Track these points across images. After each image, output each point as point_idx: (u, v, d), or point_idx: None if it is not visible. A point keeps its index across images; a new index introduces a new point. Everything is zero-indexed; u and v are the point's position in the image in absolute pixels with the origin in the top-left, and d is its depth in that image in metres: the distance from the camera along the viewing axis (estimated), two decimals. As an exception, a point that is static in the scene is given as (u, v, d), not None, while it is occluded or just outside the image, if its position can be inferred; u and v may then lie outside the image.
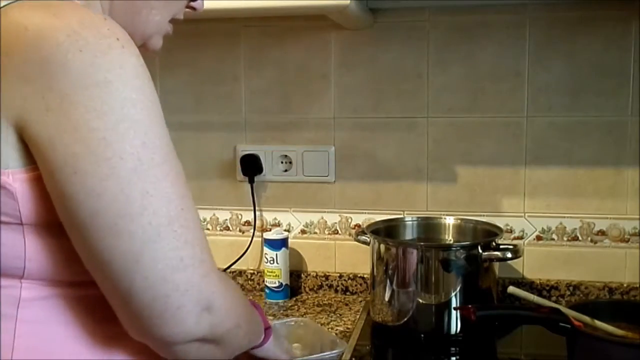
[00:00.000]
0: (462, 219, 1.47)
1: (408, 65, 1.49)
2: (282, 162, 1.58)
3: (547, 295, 1.47)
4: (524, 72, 1.44)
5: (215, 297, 0.65)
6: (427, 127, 1.50)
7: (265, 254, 1.53)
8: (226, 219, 1.63)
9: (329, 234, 1.58)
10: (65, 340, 0.67)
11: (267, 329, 0.94)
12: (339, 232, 1.58)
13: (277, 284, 1.52)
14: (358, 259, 1.54)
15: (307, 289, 1.59)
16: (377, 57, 1.50)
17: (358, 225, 1.56)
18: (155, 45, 0.80)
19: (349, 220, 1.57)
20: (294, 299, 1.55)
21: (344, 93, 1.53)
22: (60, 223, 0.62)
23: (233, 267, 1.60)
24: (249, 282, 1.62)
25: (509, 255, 1.27)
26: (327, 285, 1.58)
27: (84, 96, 0.58)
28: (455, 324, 1.27)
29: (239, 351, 0.80)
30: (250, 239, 1.59)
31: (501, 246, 1.30)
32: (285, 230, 1.58)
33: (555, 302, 1.32)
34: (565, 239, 1.48)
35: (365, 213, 1.56)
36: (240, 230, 1.62)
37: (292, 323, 1.27)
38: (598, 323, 1.10)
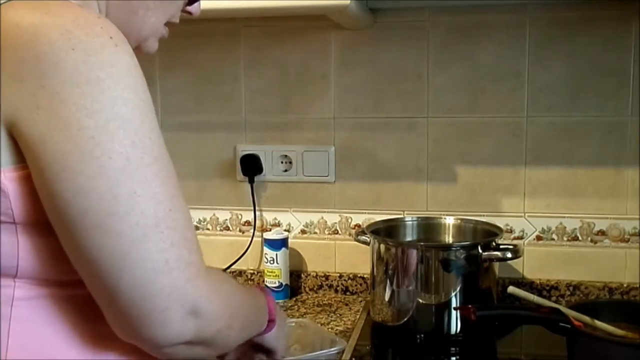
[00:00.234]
0: (462, 219, 1.47)
1: (408, 65, 1.49)
2: (282, 162, 1.58)
3: (547, 295, 1.47)
4: (524, 72, 1.44)
5: (201, 300, 0.64)
6: (427, 127, 1.50)
7: (265, 254, 1.53)
8: (226, 219, 1.63)
9: (329, 234, 1.58)
10: (57, 340, 0.67)
11: (272, 321, 0.93)
12: (339, 232, 1.58)
13: (277, 284, 1.52)
14: (358, 259, 1.54)
15: (307, 289, 1.59)
16: (377, 57, 1.50)
17: (358, 225, 1.56)
18: (150, 48, 0.80)
19: (349, 220, 1.57)
20: (294, 299, 1.55)
21: (344, 93, 1.53)
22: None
23: (233, 267, 1.60)
24: (249, 282, 1.62)
25: (509, 255, 1.27)
26: (327, 285, 1.58)
27: (75, 94, 0.58)
28: (455, 324, 1.27)
29: (233, 347, 0.79)
30: (250, 239, 1.59)
31: (501, 246, 1.30)
32: (285, 230, 1.58)
33: (555, 302, 1.32)
34: (565, 239, 1.48)
35: (365, 213, 1.56)
36: (240, 230, 1.62)
37: (292, 323, 1.27)
38: (598, 323, 1.10)
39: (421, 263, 1.27)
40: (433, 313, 1.28)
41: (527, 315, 1.16)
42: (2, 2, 0.62)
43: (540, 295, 1.36)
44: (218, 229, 1.63)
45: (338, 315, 1.44)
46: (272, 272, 1.52)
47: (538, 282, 1.49)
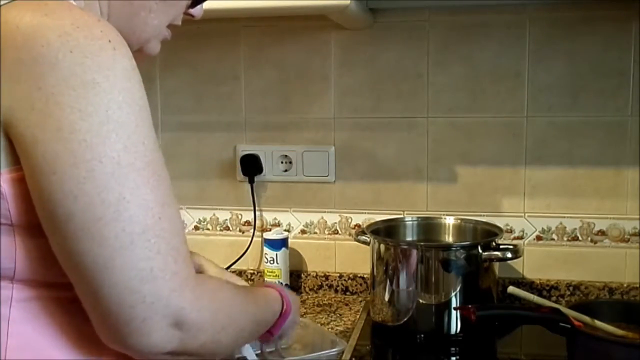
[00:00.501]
0: (462, 219, 1.47)
1: (408, 65, 1.49)
2: (282, 162, 1.58)
3: (547, 295, 1.47)
4: (524, 72, 1.44)
5: (185, 313, 0.63)
6: (427, 127, 1.50)
7: (265, 254, 1.53)
8: (226, 219, 1.63)
9: (329, 234, 1.58)
10: (55, 341, 0.67)
11: (286, 312, 0.92)
12: (339, 232, 1.58)
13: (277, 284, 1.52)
14: (358, 259, 1.54)
15: (307, 289, 1.59)
16: (377, 57, 1.50)
17: (358, 225, 1.56)
18: (152, 50, 0.80)
19: (349, 220, 1.57)
20: (294, 299, 1.55)
21: (344, 93, 1.53)
22: None
23: (233, 267, 1.60)
24: (249, 282, 1.62)
25: (509, 255, 1.27)
26: (327, 285, 1.58)
27: (70, 96, 0.58)
28: (455, 324, 1.27)
29: (226, 354, 0.78)
30: (250, 239, 1.59)
31: (501, 246, 1.30)
32: (285, 230, 1.58)
33: (555, 302, 1.32)
34: (565, 239, 1.48)
35: (365, 213, 1.56)
36: (240, 230, 1.62)
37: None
38: (598, 323, 1.10)
39: (421, 263, 1.27)
40: (433, 313, 1.28)
41: (527, 315, 1.16)
42: (3, 2, 0.62)
43: (540, 295, 1.36)
44: (218, 229, 1.63)
45: (338, 315, 1.44)
46: (272, 272, 1.52)
47: (538, 282, 1.49)
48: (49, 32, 0.59)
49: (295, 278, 1.58)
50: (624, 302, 1.39)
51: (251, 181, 1.57)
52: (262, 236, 1.58)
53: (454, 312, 1.27)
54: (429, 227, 1.48)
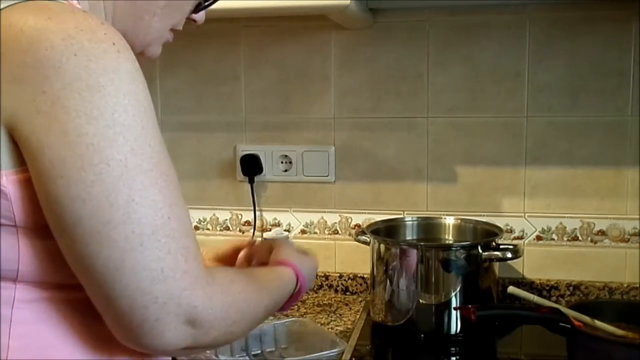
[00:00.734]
0: (462, 219, 1.47)
1: (408, 65, 1.49)
2: (282, 162, 1.58)
3: (547, 295, 1.47)
4: (524, 72, 1.44)
5: (198, 311, 0.64)
6: (427, 127, 1.50)
7: (265, 254, 1.53)
8: (226, 219, 1.63)
9: (329, 234, 1.58)
10: (58, 342, 0.67)
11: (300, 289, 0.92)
12: (339, 232, 1.58)
13: (277, 284, 1.52)
14: (358, 259, 1.54)
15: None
16: (377, 57, 1.50)
17: (358, 225, 1.56)
18: (153, 53, 0.80)
19: (349, 220, 1.57)
20: (294, 299, 1.55)
21: (344, 93, 1.53)
22: None
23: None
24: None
25: (509, 255, 1.27)
26: (327, 285, 1.58)
27: (75, 100, 0.58)
28: (455, 324, 1.27)
29: (248, 332, 0.79)
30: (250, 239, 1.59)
31: (501, 246, 1.30)
32: (285, 230, 1.58)
33: (555, 302, 1.32)
34: (565, 239, 1.48)
35: (365, 213, 1.56)
36: (240, 230, 1.62)
37: (292, 323, 1.28)
38: (598, 323, 1.10)
39: (421, 263, 1.27)
40: (433, 313, 1.28)
41: (527, 315, 1.16)
42: (7, 4, 0.62)
43: (540, 295, 1.36)
44: (218, 229, 1.63)
45: (338, 315, 1.44)
46: (272, 272, 1.52)
47: (538, 282, 1.49)
48: (52, 36, 0.59)
49: (295, 278, 1.58)
50: (624, 302, 1.39)
51: (251, 181, 1.57)
52: (262, 236, 1.58)
53: (454, 312, 1.27)
54: (429, 227, 1.48)
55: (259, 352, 1.23)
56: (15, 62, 0.59)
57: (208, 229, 1.63)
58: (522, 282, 1.48)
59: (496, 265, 1.34)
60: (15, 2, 0.62)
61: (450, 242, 1.46)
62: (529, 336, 1.33)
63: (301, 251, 0.98)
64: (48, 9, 0.61)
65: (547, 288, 1.48)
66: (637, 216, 1.44)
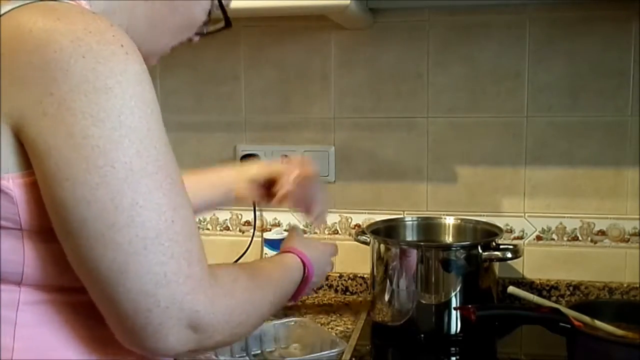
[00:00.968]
0: (462, 219, 1.47)
1: (408, 65, 1.49)
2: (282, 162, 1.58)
3: (547, 295, 1.47)
4: (524, 72, 1.44)
5: (200, 315, 0.63)
6: (427, 127, 1.50)
7: (265, 254, 1.53)
8: (226, 219, 1.63)
9: (329, 234, 1.58)
10: (62, 344, 0.67)
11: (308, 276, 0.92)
12: (339, 232, 1.58)
13: (277, 284, 1.52)
14: (358, 259, 1.54)
15: (307, 289, 1.59)
16: (377, 57, 1.50)
17: (358, 225, 1.56)
18: (149, 63, 0.80)
19: (349, 220, 1.57)
20: (294, 299, 1.55)
21: (344, 93, 1.53)
22: None
23: (233, 267, 1.60)
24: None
25: (509, 255, 1.27)
26: (327, 285, 1.58)
27: (81, 102, 0.58)
28: (455, 324, 1.27)
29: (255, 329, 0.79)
30: (250, 239, 1.59)
31: (501, 246, 1.30)
32: (285, 230, 1.58)
33: (555, 302, 1.32)
34: (565, 239, 1.48)
35: (365, 213, 1.56)
36: (240, 230, 1.62)
37: (292, 323, 1.28)
38: (598, 323, 1.10)
39: (421, 263, 1.27)
40: (433, 313, 1.28)
41: (527, 315, 1.16)
42: (16, 5, 0.62)
43: (540, 295, 1.36)
44: (218, 229, 1.63)
45: (338, 315, 1.44)
46: (272, 272, 1.52)
47: (538, 282, 1.49)
48: (61, 37, 0.58)
49: (295, 278, 1.58)
50: (624, 302, 1.39)
51: (251, 181, 1.57)
52: (262, 236, 1.58)
53: (454, 312, 1.27)
54: (429, 227, 1.48)
55: (259, 352, 1.23)
56: (23, 63, 0.59)
57: (208, 229, 1.63)
58: (522, 282, 1.48)
59: (496, 265, 1.34)
60: (24, 2, 0.62)
61: (450, 242, 1.45)
62: (529, 336, 1.33)
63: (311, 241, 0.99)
64: (57, 10, 0.61)
65: (547, 288, 1.48)
66: (637, 216, 1.44)
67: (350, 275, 1.57)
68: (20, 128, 0.59)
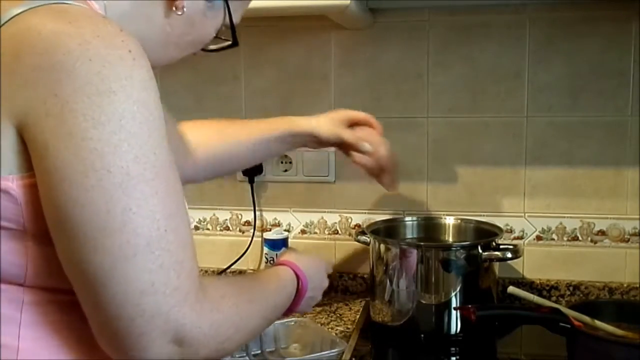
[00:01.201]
0: (462, 219, 1.47)
1: (408, 65, 1.49)
2: (282, 162, 1.58)
3: (547, 295, 1.47)
4: (524, 72, 1.44)
5: (186, 329, 0.62)
6: (427, 127, 1.50)
7: (265, 254, 1.53)
8: (226, 219, 1.63)
9: (329, 234, 1.58)
10: (65, 344, 0.67)
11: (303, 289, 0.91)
12: (339, 232, 1.58)
13: (277, 284, 1.52)
14: (358, 259, 1.54)
15: (307, 289, 1.59)
16: (377, 57, 1.50)
17: (358, 225, 1.56)
18: None
19: (349, 220, 1.57)
20: (294, 299, 1.55)
21: (344, 93, 1.53)
22: None
23: (233, 267, 1.60)
24: (249, 282, 1.62)
25: (509, 255, 1.27)
26: (327, 285, 1.58)
27: (84, 104, 0.58)
28: (455, 324, 1.27)
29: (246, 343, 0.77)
30: (250, 239, 1.59)
31: (501, 246, 1.30)
32: (285, 230, 1.58)
33: (555, 302, 1.32)
34: (565, 239, 1.48)
35: (365, 213, 1.56)
36: (240, 230, 1.62)
37: (292, 323, 1.28)
38: (598, 323, 1.10)
39: (421, 263, 1.27)
40: (433, 313, 1.28)
41: (527, 315, 1.16)
42: (27, 7, 0.62)
43: (540, 295, 1.36)
44: (218, 229, 1.63)
45: (338, 315, 1.44)
46: (272, 272, 1.52)
47: (538, 282, 1.49)
48: (69, 40, 0.59)
49: (295, 278, 1.58)
50: (624, 302, 1.39)
51: (251, 181, 1.57)
52: (262, 236, 1.58)
53: (454, 312, 1.27)
54: (429, 227, 1.48)
55: (259, 352, 1.23)
56: (30, 65, 0.59)
57: (208, 229, 1.63)
58: (522, 282, 1.48)
59: (496, 265, 1.34)
60: (36, 4, 0.62)
61: (450, 242, 1.45)
62: (529, 336, 1.33)
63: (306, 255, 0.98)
64: (67, 13, 0.61)
65: (547, 288, 1.48)
66: (637, 216, 1.44)
67: (350, 275, 1.57)
68: (24, 128, 0.60)
